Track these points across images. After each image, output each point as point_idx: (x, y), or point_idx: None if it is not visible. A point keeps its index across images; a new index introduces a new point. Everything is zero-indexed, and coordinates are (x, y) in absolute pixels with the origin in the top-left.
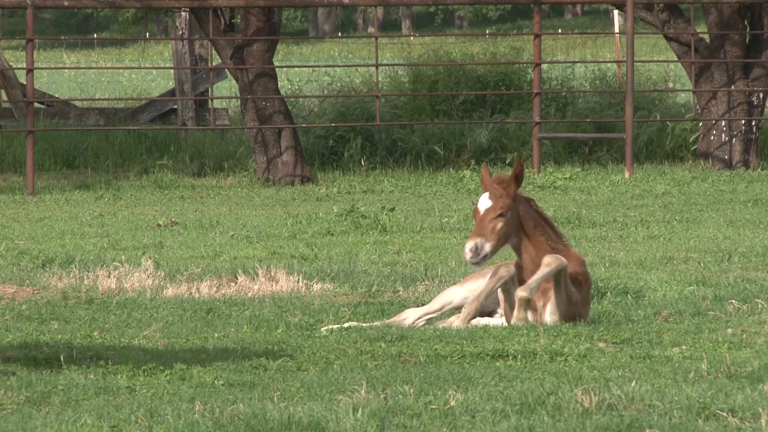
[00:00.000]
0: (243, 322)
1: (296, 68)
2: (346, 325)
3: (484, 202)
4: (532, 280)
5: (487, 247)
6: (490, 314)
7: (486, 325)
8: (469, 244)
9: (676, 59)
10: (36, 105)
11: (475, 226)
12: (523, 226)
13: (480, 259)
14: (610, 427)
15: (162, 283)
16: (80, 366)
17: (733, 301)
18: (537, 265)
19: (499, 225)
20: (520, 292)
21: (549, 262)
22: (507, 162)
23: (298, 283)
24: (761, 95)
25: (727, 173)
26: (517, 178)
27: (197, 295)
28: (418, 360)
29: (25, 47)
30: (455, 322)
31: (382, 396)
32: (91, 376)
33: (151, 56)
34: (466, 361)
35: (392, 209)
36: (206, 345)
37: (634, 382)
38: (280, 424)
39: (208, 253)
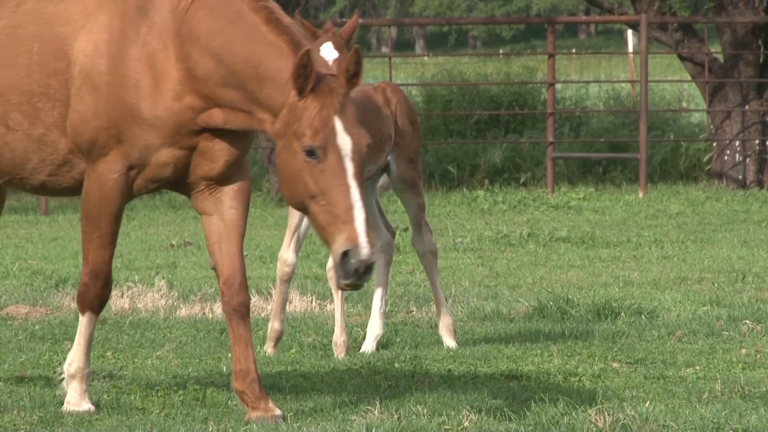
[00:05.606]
0: (256, 343)
1: None
2: None
3: (330, 52)
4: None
5: None
6: None
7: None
8: None
9: (690, 79)
10: None
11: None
12: None
13: None
14: None
15: (175, 303)
16: (93, 386)
17: (747, 321)
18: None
19: None
20: None
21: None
22: (521, 182)
23: (311, 303)
24: None
25: (741, 193)
26: (353, 32)
27: (211, 316)
28: (432, 380)
29: None
30: None
31: (395, 416)
32: (105, 396)
33: None
34: (479, 381)
35: (405, 229)
36: (220, 365)
37: (648, 403)
38: None
39: None
